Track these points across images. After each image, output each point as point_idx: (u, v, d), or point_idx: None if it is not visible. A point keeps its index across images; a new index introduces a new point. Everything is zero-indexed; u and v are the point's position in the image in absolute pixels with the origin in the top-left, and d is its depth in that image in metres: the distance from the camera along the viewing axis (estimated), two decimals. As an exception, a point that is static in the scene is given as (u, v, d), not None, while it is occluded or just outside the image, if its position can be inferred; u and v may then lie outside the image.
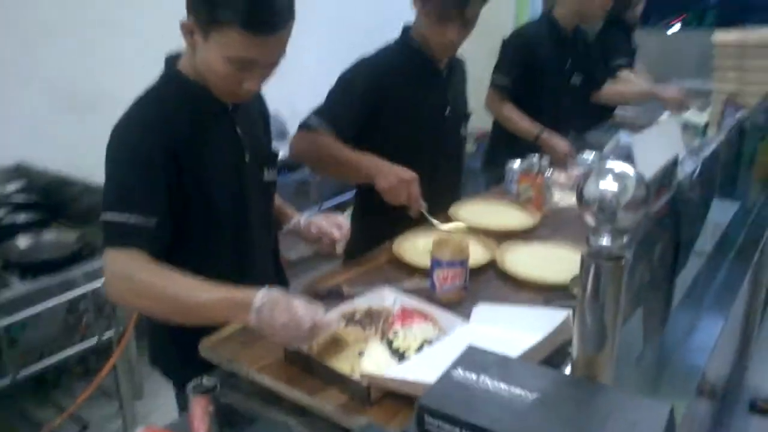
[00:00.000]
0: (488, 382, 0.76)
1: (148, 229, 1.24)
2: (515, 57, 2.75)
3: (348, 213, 3.75)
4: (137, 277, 1.23)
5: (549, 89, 2.75)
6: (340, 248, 1.56)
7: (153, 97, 1.35)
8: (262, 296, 1.16)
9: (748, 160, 2.00)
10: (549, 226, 1.89)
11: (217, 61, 1.23)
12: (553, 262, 1.60)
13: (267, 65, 1.27)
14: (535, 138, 2.66)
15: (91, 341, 2.10)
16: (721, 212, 1.93)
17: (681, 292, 1.43)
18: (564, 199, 2.10)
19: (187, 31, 1.26)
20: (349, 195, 3.62)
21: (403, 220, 1.76)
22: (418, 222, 1.77)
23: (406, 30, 1.92)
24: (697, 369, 1.34)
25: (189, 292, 1.22)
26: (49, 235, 2.34)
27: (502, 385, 0.75)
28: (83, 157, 2.87)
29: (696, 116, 2.87)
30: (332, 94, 1.86)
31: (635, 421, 0.68)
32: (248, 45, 1.19)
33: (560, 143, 2.63)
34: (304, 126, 1.81)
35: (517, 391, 0.74)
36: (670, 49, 5.79)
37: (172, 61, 1.37)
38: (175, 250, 1.31)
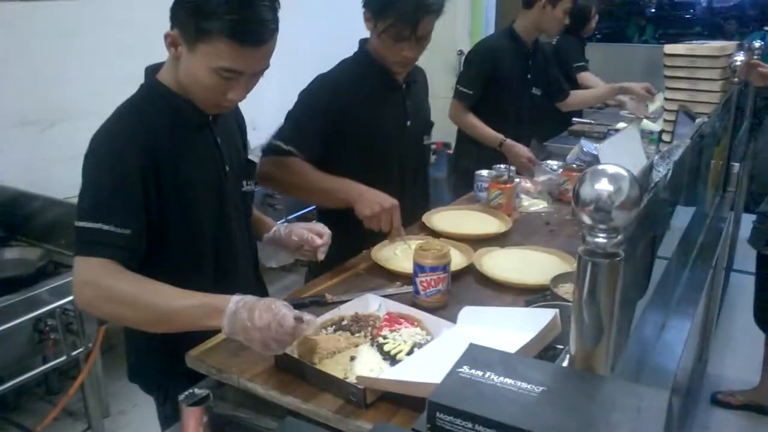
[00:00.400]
0: (494, 378, 0.79)
1: (122, 239, 1.23)
2: (479, 69, 2.83)
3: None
4: (106, 284, 1.21)
5: (511, 99, 2.86)
6: (321, 255, 1.57)
7: (133, 108, 1.34)
8: (236, 301, 1.16)
9: (704, 166, 2.10)
10: (520, 231, 1.95)
11: (203, 72, 1.24)
12: (529, 264, 1.65)
13: (253, 76, 1.28)
14: (499, 145, 2.75)
15: (60, 359, 2.04)
16: (679, 217, 2.02)
17: (649, 293, 1.50)
18: (532, 204, 2.16)
19: (171, 42, 1.27)
20: (311, 208, 3.63)
21: (365, 235, 1.78)
22: (378, 235, 1.79)
23: (362, 44, 1.94)
24: (670, 367, 1.40)
25: (162, 299, 1.21)
26: (11, 253, 2.28)
27: (509, 381, 0.78)
28: (41, 173, 2.82)
29: (650, 124, 3.01)
30: (293, 113, 1.86)
31: (639, 407, 0.72)
32: (236, 56, 1.21)
33: (522, 149, 2.74)
34: (270, 150, 1.81)
35: (524, 385, 0.77)
36: (617, 61, 6.01)
37: (151, 72, 1.37)
38: (155, 261, 1.30)
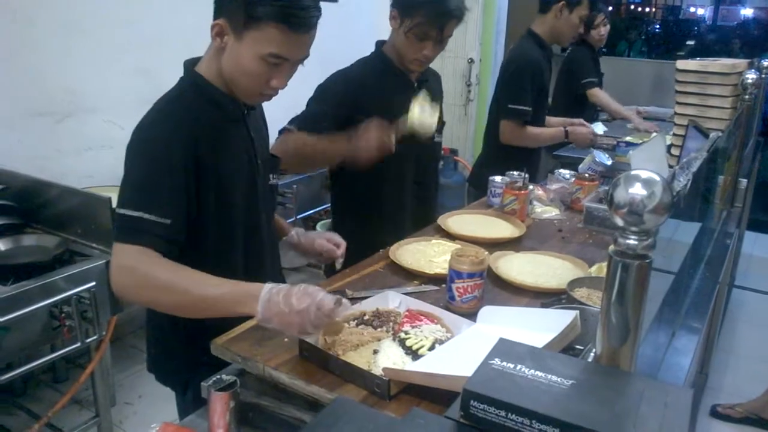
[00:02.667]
0: (525, 370, 0.82)
1: (162, 228, 1.27)
2: (532, 83, 2.78)
3: (322, 223, 3.80)
4: (143, 271, 1.24)
5: (544, 108, 2.88)
6: (339, 264, 1.68)
7: (176, 101, 1.38)
8: (269, 288, 1.20)
9: (715, 181, 2.14)
10: (533, 237, 1.98)
11: (250, 59, 1.28)
12: (543, 269, 1.68)
13: (294, 64, 1.32)
14: (566, 135, 2.87)
15: (74, 345, 2.07)
16: (687, 231, 2.05)
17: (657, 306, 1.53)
18: (544, 211, 2.20)
19: (217, 32, 1.30)
20: (320, 207, 3.67)
21: (380, 233, 1.87)
22: (391, 232, 1.88)
23: (379, 45, 2.05)
24: (678, 379, 1.44)
25: (197, 285, 1.25)
26: (29, 240, 2.30)
27: (539, 374, 0.81)
28: (55, 163, 2.85)
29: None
30: (309, 103, 1.97)
31: (665, 402, 0.75)
32: (284, 42, 1.26)
33: (585, 130, 2.90)
34: (280, 132, 1.91)
35: (554, 378, 0.80)
36: (625, 75, 6.06)
37: (190, 65, 1.40)
38: (189, 251, 1.34)
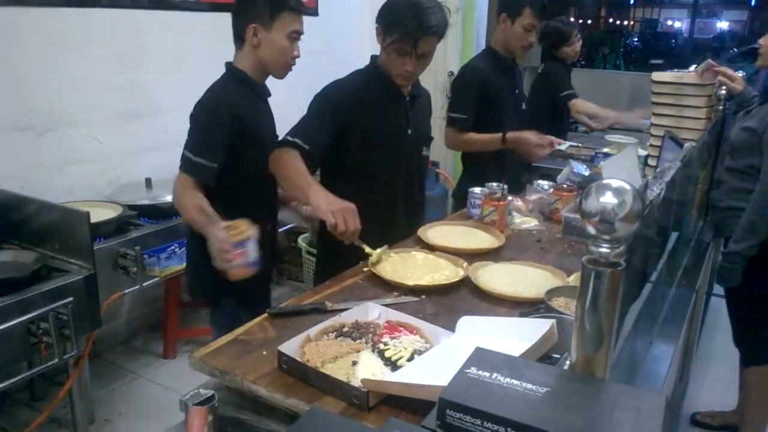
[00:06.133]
0: (501, 379, 0.83)
1: (208, 170, 1.88)
2: (468, 91, 2.81)
3: (303, 237, 3.79)
4: (179, 192, 1.90)
5: (505, 117, 2.85)
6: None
7: (223, 85, 1.99)
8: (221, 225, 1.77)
9: (690, 191, 2.17)
10: (513, 248, 2.00)
11: (282, 38, 1.92)
12: (522, 279, 1.69)
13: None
14: (503, 142, 2.72)
15: (51, 362, 2.04)
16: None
17: (635, 313, 1.55)
18: (523, 222, 2.21)
19: (253, 33, 1.92)
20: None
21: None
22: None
23: (373, 59, 2.10)
24: (656, 389, 1.45)
25: (188, 211, 1.88)
26: (5, 256, 2.27)
27: (515, 382, 0.82)
28: (36, 178, 2.82)
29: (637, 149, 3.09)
30: (307, 111, 2.03)
31: (639, 408, 0.76)
32: (296, 20, 1.94)
33: (528, 135, 2.70)
34: (278, 143, 1.97)
35: (529, 386, 0.81)
36: (603, 88, 6.14)
37: (230, 64, 2.02)
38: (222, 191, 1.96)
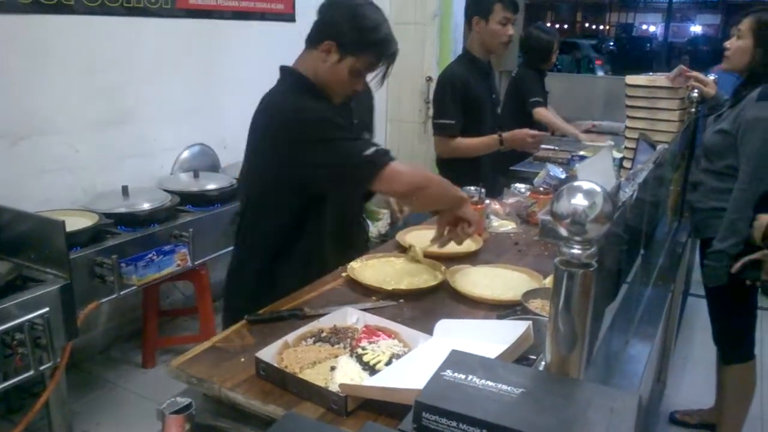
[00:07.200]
0: (476, 380, 0.83)
1: None
2: (453, 96, 2.83)
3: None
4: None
5: (485, 121, 2.88)
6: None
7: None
8: None
9: (664, 191, 2.20)
10: (490, 251, 2.01)
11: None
12: (500, 281, 1.71)
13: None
14: (500, 143, 2.81)
15: (27, 373, 2.01)
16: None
17: (611, 314, 1.57)
18: (501, 225, 2.23)
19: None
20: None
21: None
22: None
23: (292, 72, 1.85)
24: (633, 388, 1.46)
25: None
26: (-21, 266, 2.24)
27: (490, 383, 0.83)
28: (11, 187, 2.78)
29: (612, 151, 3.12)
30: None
31: (612, 408, 0.77)
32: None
33: (521, 132, 2.82)
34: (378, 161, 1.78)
35: (504, 387, 0.82)
36: (580, 91, 6.21)
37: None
38: None
